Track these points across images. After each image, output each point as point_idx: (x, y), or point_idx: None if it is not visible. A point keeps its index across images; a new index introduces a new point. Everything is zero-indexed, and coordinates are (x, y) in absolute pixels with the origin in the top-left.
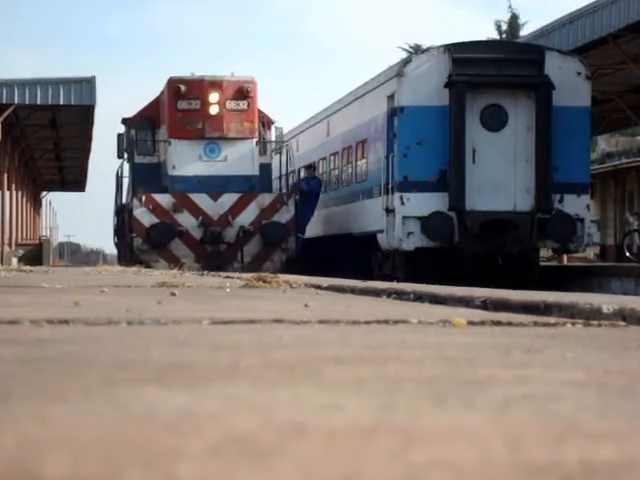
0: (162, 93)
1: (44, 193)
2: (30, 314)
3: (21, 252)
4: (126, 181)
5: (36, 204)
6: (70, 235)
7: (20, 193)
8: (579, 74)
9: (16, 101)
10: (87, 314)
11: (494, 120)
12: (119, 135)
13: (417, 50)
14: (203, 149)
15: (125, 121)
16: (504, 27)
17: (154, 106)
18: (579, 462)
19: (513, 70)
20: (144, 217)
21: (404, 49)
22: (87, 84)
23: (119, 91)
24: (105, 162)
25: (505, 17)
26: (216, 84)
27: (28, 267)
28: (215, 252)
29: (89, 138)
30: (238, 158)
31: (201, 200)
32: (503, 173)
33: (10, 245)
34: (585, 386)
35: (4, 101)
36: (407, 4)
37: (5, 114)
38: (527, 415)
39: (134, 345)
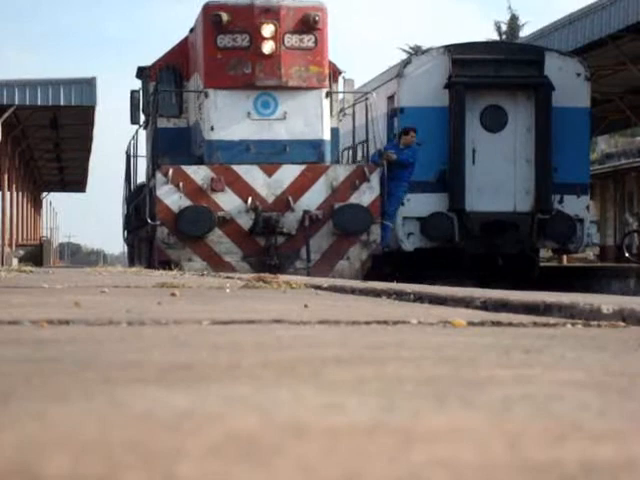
0: (194, 29)
1: (45, 194)
2: (30, 314)
3: (21, 253)
4: (138, 164)
5: (37, 205)
6: (71, 236)
7: (21, 194)
8: (579, 75)
9: (17, 102)
10: (87, 315)
11: (494, 121)
12: (133, 93)
13: (417, 51)
14: (253, 103)
15: (142, 72)
16: (504, 28)
17: (182, 50)
18: (579, 462)
19: (513, 71)
20: (171, 198)
21: (404, 50)
22: (87, 85)
23: (119, 91)
24: (105, 162)
25: (505, 18)
26: (271, 11)
27: (28, 268)
28: (270, 247)
29: (89, 139)
30: (302, 116)
31: (251, 174)
32: (503, 174)
33: (10, 246)
34: (585, 386)
35: (5, 102)
36: (407, 4)
37: (6, 115)
38: (527, 415)
39: (134, 345)
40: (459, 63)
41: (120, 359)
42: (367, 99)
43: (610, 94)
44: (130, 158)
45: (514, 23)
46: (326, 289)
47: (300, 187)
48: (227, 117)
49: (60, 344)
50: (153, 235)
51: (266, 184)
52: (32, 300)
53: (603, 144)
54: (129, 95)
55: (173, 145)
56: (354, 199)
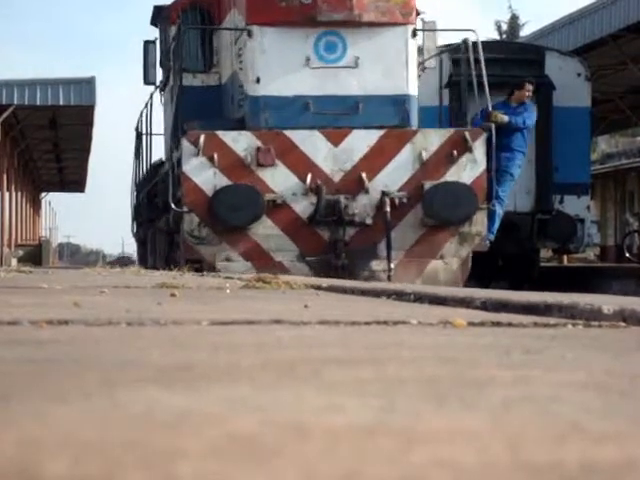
0: None
1: (44, 194)
2: (30, 315)
3: (21, 253)
4: (151, 140)
5: (36, 205)
6: (70, 236)
7: (20, 194)
8: (579, 75)
9: (15, 102)
10: (87, 315)
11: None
12: (147, 45)
13: (417, 51)
14: (314, 45)
15: (159, 14)
16: (504, 27)
17: None
18: (580, 463)
19: (513, 70)
20: (203, 175)
21: None
22: (87, 84)
23: (119, 90)
24: (105, 162)
25: (505, 17)
26: None
27: (27, 268)
28: (336, 242)
29: (89, 139)
30: (380, 62)
31: (310, 143)
32: None
33: (10, 246)
34: (586, 387)
35: (3, 102)
36: None
37: (5, 115)
38: (527, 416)
39: (134, 346)
40: (459, 62)
41: (120, 359)
42: (466, 44)
43: (610, 94)
44: (141, 135)
45: (514, 22)
46: (326, 289)
47: (377, 160)
48: (278, 64)
49: (59, 344)
50: (177, 226)
51: (331, 156)
52: (31, 300)
53: (604, 144)
54: (142, 48)
55: (202, 108)
56: (451, 176)
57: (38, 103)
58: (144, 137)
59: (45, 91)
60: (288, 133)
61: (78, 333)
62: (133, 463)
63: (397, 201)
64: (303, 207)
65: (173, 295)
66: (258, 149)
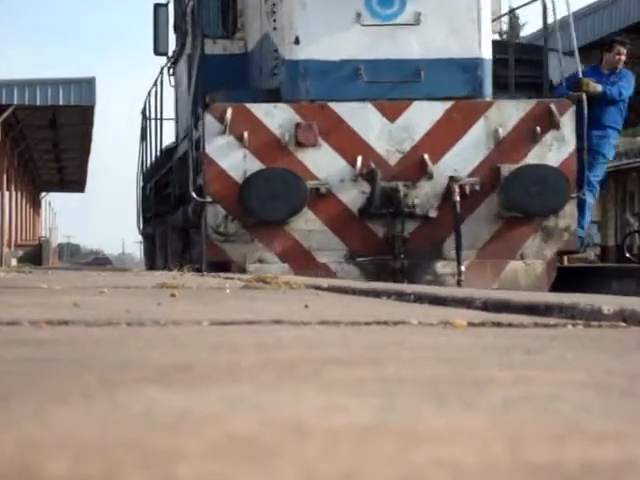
0: None
1: (43, 194)
2: (29, 315)
3: (20, 253)
4: (162, 124)
5: (35, 205)
6: (70, 236)
7: (19, 194)
8: None
9: (15, 102)
10: (86, 315)
11: None
12: (158, 8)
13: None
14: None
15: None
16: (504, 27)
17: None
18: (580, 463)
19: (514, 70)
20: (231, 157)
21: None
22: (87, 84)
23: (119, 91)
24: (105, 162)
25: (505, 17)
26: None
27: (27, 268)
28: (394, 240)
29: (89, 139)
30: (446, 19)
31: (361, 117)
32: None
33: (9, 246)
34: (586, 387)
35: (3, 102)
36: None
37: (4, 115)
38: (528, 416)
39: (134, 346)
40: None
41: (119, 359)
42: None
43: None
44: (148, 118)
45: (514, 22)
46: (326, 289)
47: (443, 138)
48: (322, 22)
49: (59, 344)
50: (197, 221)
51: (387, 134)
52: (31, 300)
53: None
54: (152, 12)
55: (225, 80)
56: (533, 157)
57: (38, 103)
58: (151, 121)
59: (45, 91)
60: (334, 106)
61: (78, 333)
62: (133, 463)
63: (468, 189)
64: (352, 197)
65: (173, 295)
66: (297, 125)
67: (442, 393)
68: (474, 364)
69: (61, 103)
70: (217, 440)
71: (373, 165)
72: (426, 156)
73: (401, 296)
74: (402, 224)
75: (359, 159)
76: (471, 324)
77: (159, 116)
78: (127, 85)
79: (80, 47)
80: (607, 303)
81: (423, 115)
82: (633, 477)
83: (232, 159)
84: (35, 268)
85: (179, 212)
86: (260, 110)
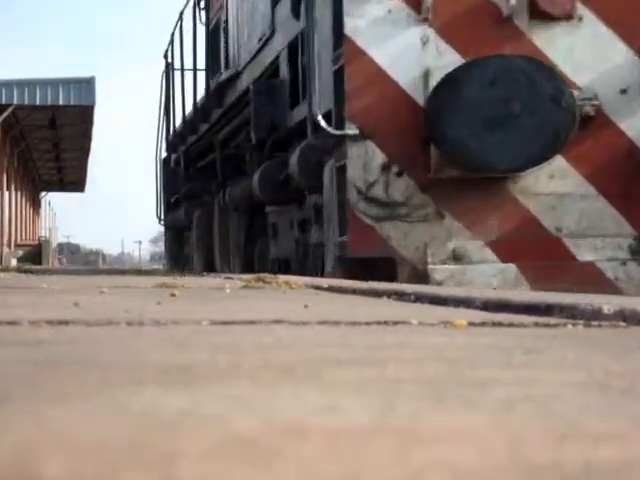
0: None
1: (43, 193)
2: (29, 315)
3: (20, 253)
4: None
5: (35, 205)
6: (69, 236)
7: (19, 193)
8: None
9: (15, 101)
10: (86, 315)
11: None
12: None
13: None
14: None
15: None
16: None
17: None
18: (580, 463)
19: None
20: (399, 41)
21: None
22: (87, 84)
23: (119, 90)
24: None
25: None
26: None
27: (27, 268)
28: None
29: (89, 138)
30: None
31: None
32: None
33: (9, 246)
34: (586, 387)
35: (3, 101)
36: None
37: (4, 114)
38: (528, 416)
39: (133, 346)
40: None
41: (119, 359)
42: None
43: None
44: (171, 69)
45: None
46: (326, 289)
47: None
48: None
49: (59, 344)
50: (315, 180)
51: None
52: (31, 300)
53: None
54: None
55: None
56: None
57: (38, 103)
58: (180, 73)
59: (45, 91)
60: None
61: (78, 333)
62: (133, 464)
63: None
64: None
65: (173, 295)
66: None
67: (442, 393)
68: (474, 364)
69: (61, 103)
70: (217, 441)
71: None
72: None
73: (401, 296)
74: None
75: None
76: (471, 324)
77: (194, 66)
78: (127, 85)
79: (80, 47)
80: (607, 303)
81: None
82: (633, 477)
83: (400, 46)
84: (35, 268)
85: (242, 184)
86: None
